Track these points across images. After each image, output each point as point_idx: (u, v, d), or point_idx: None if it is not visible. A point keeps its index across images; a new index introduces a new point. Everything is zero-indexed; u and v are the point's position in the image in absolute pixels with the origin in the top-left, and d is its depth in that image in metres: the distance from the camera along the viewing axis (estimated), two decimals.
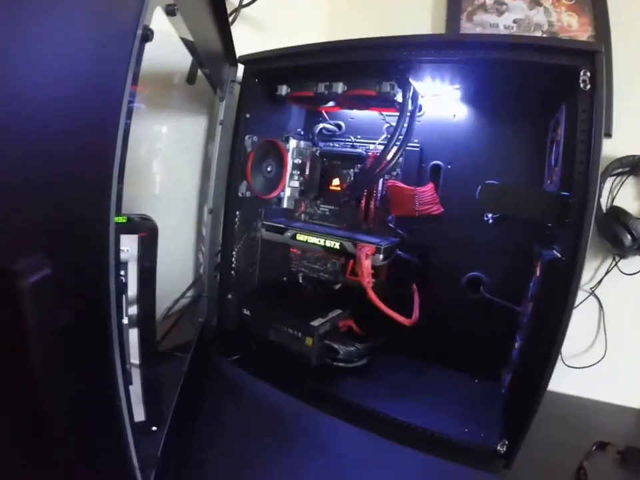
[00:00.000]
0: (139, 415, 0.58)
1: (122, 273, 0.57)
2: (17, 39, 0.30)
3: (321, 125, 0.86)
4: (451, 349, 0.76)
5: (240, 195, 0.82)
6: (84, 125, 0.33)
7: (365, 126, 0.86)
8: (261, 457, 0.60)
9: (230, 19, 0.84)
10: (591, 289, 0.83)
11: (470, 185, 0.69)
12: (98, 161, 0.34)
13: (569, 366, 0.82)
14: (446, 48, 0.59)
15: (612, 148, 0.79)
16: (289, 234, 0.80)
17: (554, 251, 0.57)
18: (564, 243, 0.53)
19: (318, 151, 0.87)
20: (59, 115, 0.33)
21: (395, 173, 0.81)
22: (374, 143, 0.84)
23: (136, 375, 0.59)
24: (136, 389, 0.58)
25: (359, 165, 0.84)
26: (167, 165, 0.88)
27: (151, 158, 0.85)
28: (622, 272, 0.80)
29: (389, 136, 0.72)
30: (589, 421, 0.76)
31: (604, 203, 0.80)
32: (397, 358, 0.80)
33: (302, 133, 0.91)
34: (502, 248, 0.74)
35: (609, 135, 0.80)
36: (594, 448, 0.63)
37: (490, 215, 0.74)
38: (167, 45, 0.53)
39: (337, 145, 0.88)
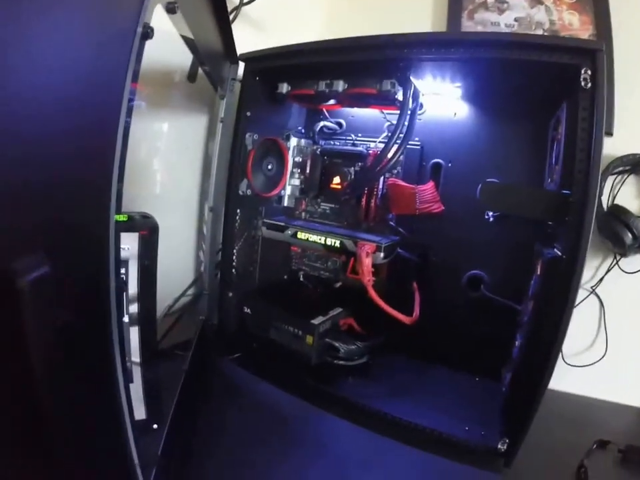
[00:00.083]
0: (140, 413, 0.58)
1: (122, 271, 0.57)
2: (16, 38, 0.30)
3: (321, 123, 0.86)
4: (452, 347, 0.76)
5: (240, 193, 0.82)
6: (84, 122, 0.33)
7: (366, 124, 0.86)
8: (261, 454, 0.60)
9: (231, 17, 0.83)
10: (591, 287, 0.83)
11: (471, 183, 0.69)
12: (98, 160, 0.34)
13: (569, 364, 0.82)
14: (447, 46, 0.59)
15: (613, 146, 0.79)
16: (289, 232, 0.80)
17: (555, 250, 0.57)
18: (564, 241, 0.53)
19: (319, 149, 0.87)
20: (58, 112, 0.33)
21: (396, 171, 0.81)
22: (375, 141, 0.83)
23: (136, 373, 0.59)
24: (137, 387, 0.59)
25: (360, 163, 0.84)
26: (167, 164, 0.88)
27: (152, 156, 0.85)
28: (623, 270, 0.80)
29: (389, 134, 0.71)
30: (590, 419, 0.76)
31: (605, 201, 0.80)
32: (397, 356, 0.81)
33: (303, 131, 0.91)
34: (502, 246, 0.74)
35: (610, 134, 0.80)
36: (594, 446, 0.63)
37: (490, 214, 0.73)
38: (167, 43, 0.53)
39: (338, 143, 0.88)
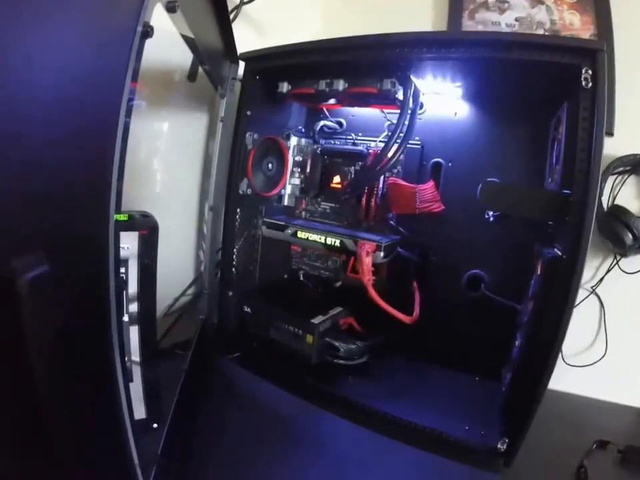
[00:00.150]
0: (140, 412, 0.58)
1: (122, 270, 0.57)
2: (17, 38, 0.30)
3: (321, 123, 0.86)
4: (452, 347, 0.76)
5: (241, 192, 0.82)
6: (84, 122, 0.33)
7: (366, 123, 0.86)
8: (261, 454, 0.60)
9: (231, 16, 0.83)
10: (591, 287, 0.83)
11: (471, 182, 0.69)
12: (98, 159, 0.34)
13: (569, 364, 0.81)
14: (447, 45, 0.59)
15: (613, 147, 0.79)
16: (289, 231, 0.80)
17: (555, 249, 0.57)
18: (565, 241, 0.53)
19: (319, 149, 0.87)
20: (58, 111, 0.33)
21: (396, 170, 0.81)
22: (375, 141, 0.83)
23: (136, 373, 0.59)
24: (136, 387, 0.59)
25: (360, 163, 0.84)
26: (167, 163, 0.88)
27: (152, 156, 0.85)
28: (623, 271, 0.80)
29: (390, 133, 0.71)
30: (590, 419, 0.76)
31: (605, 201, 0.80)
32: (397, 356, 0.80)
33: (303, 130, 0.91)
34: (502, 246, 0.74)
35: (610, 134, 0.80)
36: (594, 446, 0.63)
37: (491, 213, 0.73)
38: (167, 42, 0.53)
39: (338, 143, 0.88)
